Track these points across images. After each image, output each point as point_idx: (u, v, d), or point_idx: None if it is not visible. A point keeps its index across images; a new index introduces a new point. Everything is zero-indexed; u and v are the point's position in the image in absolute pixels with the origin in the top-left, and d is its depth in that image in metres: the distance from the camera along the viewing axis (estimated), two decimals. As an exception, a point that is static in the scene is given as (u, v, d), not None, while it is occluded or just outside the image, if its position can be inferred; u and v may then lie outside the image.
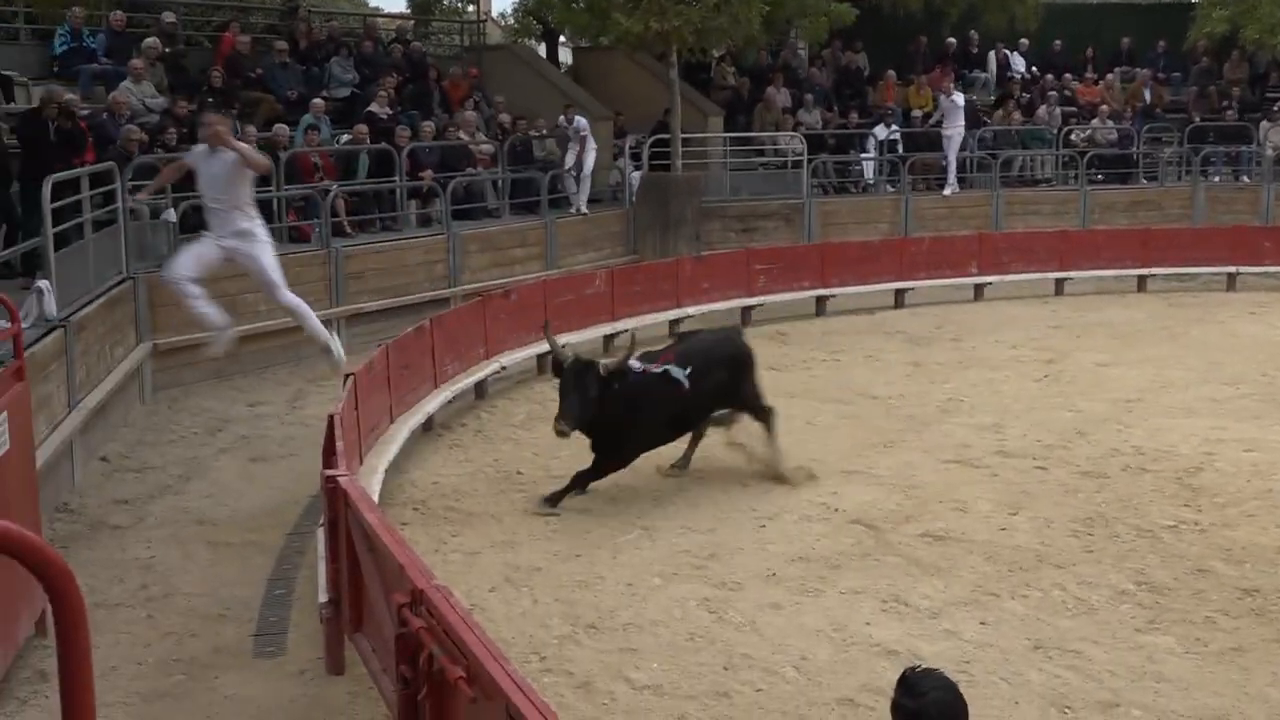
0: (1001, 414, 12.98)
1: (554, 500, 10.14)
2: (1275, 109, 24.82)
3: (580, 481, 10.27)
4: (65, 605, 2.09)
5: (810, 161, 21.93)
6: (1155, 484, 10.70)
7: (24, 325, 8.45)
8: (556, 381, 10.25)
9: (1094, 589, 8.50)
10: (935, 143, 23.18)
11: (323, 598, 7.29)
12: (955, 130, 22.44)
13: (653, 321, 16.68)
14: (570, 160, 19.77)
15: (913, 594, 8.43)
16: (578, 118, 20.17)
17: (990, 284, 19.85)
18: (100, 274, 12.59)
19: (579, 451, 11.68)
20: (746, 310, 17.92)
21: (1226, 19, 25.04)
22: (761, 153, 22.85)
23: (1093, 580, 8.65)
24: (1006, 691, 7.03)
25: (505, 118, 20.15)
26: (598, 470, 10.31)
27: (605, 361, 10.62)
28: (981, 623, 7.97)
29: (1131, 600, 8.34)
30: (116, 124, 14.86)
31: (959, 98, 22.79)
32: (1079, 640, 7.71)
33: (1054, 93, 25.22)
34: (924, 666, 3.77)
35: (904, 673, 3.75)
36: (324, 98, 18.17)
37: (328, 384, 13.25)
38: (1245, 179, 24.09)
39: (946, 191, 22.53)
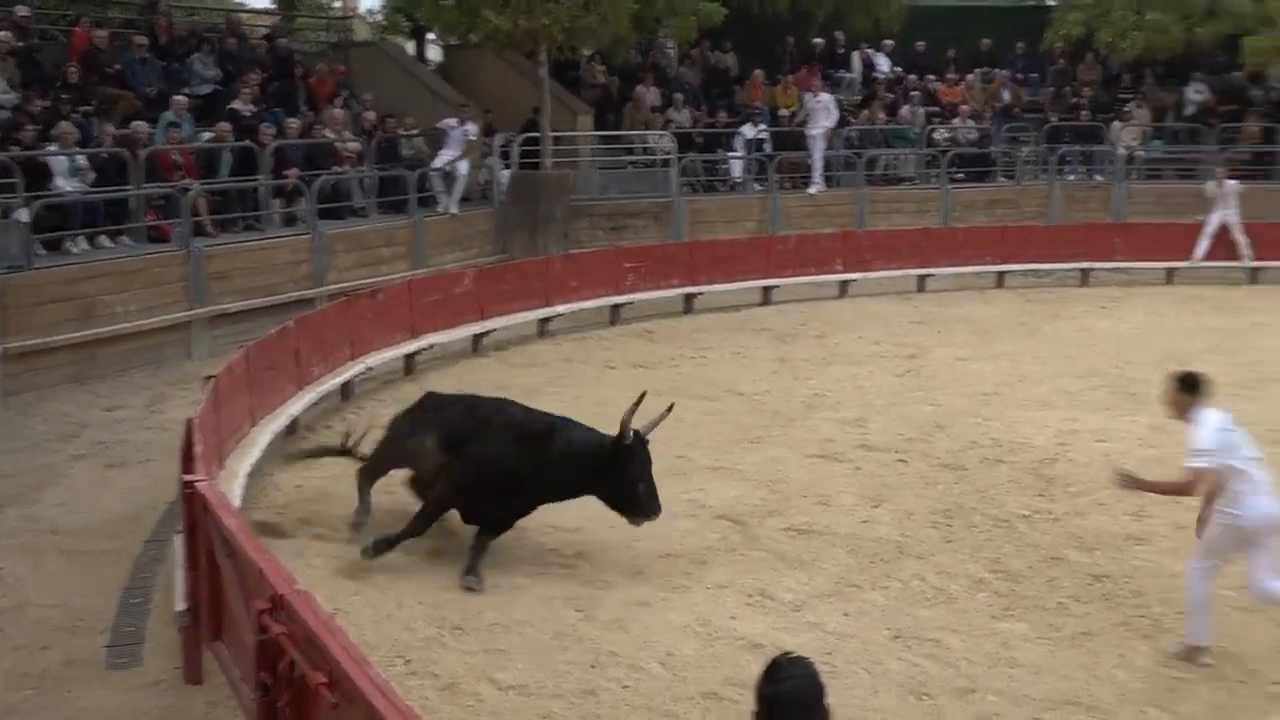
0: (864, 409, 13.19)
1: None
2: (1127, 109, 25.59)
3: None
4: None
5: (679, 160, 22.07)
6: (1011, 475, 10.96)
7: None
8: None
9: (952, 578, 8.69)
10: (802, 142, 23.44)
11: (180, 606, 7.16)
12: (821, 129, 22.71)
13: (521, 320, 16.66)
14: (440, 161, 19.65)
15: (777, 587, 8.53)
16: (470, 123, 20.13)
17: (855, 281, 20.13)
18: (-52, 276, 12.21)
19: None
20: (616, 309, 17.97)
21: (1081, 22, 25.72)
22: (631, 151, 22.90)
23: (951, 570, 8.84)
24: (867, 681, 7.15)
25: (371, 115, 19.95)
26: None
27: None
28: (844, 614, 8.09)
29: (988, 589, 8.53)
30: (-37, 121, 14.42)
31: (825, 97, 23.08)
32: (937, 629, 7.88)
33: (917, 93, 25.63)
34: (794, 655, 3.81)
35: (773, 659, 3.80)
36: (185, 94, 17.80)
37: (188, 387, 12.99)
38: (1098, 177, 24.72)
39: (812, 190, 22.80)
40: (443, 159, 19.66)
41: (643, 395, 8.71)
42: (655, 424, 8.92)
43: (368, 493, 9.66)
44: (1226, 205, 21.20)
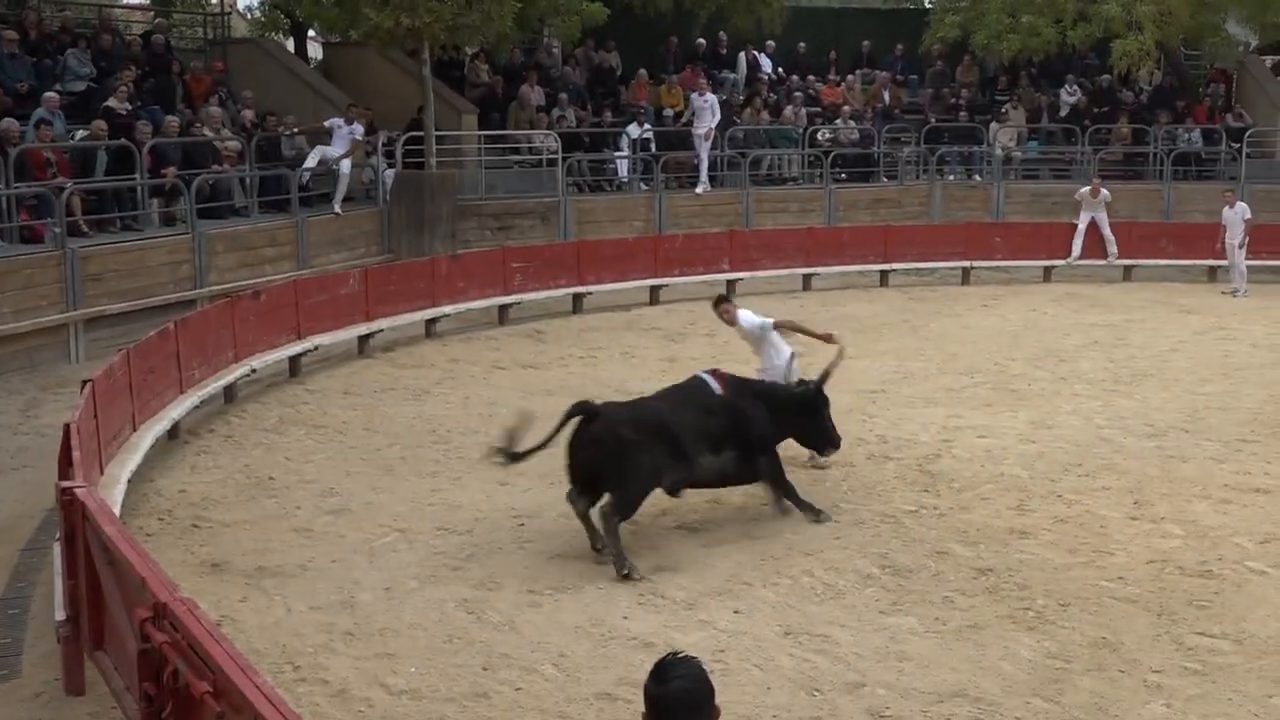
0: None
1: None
2: (1003, 111, 26.13)
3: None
4: None
5: (565, 160, 22.04)
6: (897, 471, 11.10)
7: None
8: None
9: (841, 574, 8.76)
10: (687, 141, 23.57)
11: (60, 615, 6.99)
12: (705, 129, 22.82)
13: (408, 321, 16.53)
14: (312, 160, 19.39)
15: (669, 585, 8.52)
16: (356, 122, 19.93)
17: (742, 280, 20.26)
18: None
19: (333, 456, 11.53)
20: (504, 309, 17.90)
21: (958, 24, 26.18)
22: (517, 151, 22.86)
23: (840, 566, 8.90)
24: (759, 677, 7.18)
25: (250, 114, 19.65)
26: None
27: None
28: (735, 611, 8.11)
29: (876, 584, 8.61)
30: None
31: (710, 97, 23.20)
32: (827, 624, 7.93)
33: (799, 93, 25.92)
34: (682, 655, 3.76)
35: (660, 659, 3.78)
36: (58, 91, 17.38)
37: (65, 391, 12.70)
38: (977, 177, 25.24)
39: (699, 190, 22.93)
40: (313, 159, 19.41)
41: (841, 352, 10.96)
42: (830, 372, 10.50)
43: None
44: (1096, 207, 21.68)
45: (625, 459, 9.00)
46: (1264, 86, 26.73)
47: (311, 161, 19.38)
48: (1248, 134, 25.11)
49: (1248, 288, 20.69)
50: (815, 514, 9.80)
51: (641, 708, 3.64)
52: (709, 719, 3.66)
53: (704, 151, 22.89)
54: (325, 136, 19.87)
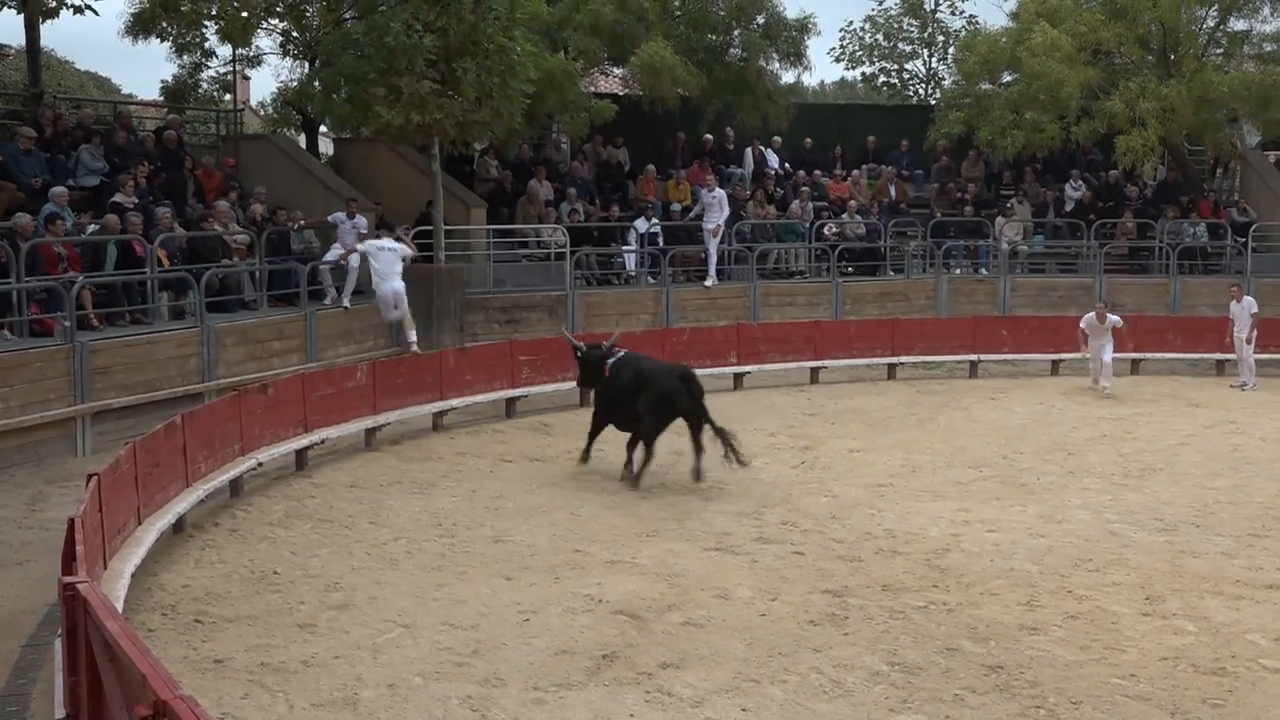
0: (760, 500, 13.24)
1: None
2: (1009, 205, 26.29)
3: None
4: None
5: (573, 253, 22.22)
6: (906, 566, 11.03)
7: None
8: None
9: (849, 671, 8.67)
10: (695, 236, 23.75)
11: (60, 713, 6.95)
12: (714, 224, 22.97)
13: (415, 414, 16.56)
14: (333, 255, 19.52)
15: (676, 683, 8.44)
16: (360, 216, 20.10)
17: (749, 373, 20.33)
18: None
19: (337, 550, 11.49)
20: (511, 402, 17.93)
21: (962, 120, 26.52)
22: (525, 244, 23.00)
23: (848, 662, 8.82)
24: (767, 778, 7.10)
25: (259, 208, 19.83)
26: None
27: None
28: (742, 709, 8.02)
29: (885, 680, 8.52)
30: None
31: (719, 192, 23.40)
32: (836, 724, 7.86)
33: (806, 188, 26.10)
34: None
35: None
36: (70, 186, 17.57)
37: (70, 485, 12.70)
38: (984, 271, 25.33)
39: (708, 283, 23.06)
40: (333, 254, 19.53)
41: None
42: None
43: None
44: (1102, 334, 20.43)
45: None
46: (1267, 181, 26.84)
47: (331, 255, 19.46)
48: (1253, 228, 25.25)
49: (1256, 381, 20.70)
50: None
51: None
52: None
53: (713, 246, 23.05)
54: (332, 231, 20.00)
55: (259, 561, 11.15)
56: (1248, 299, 21.24)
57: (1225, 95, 25.03)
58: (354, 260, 19.55)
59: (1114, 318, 20.55)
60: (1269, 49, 26.66)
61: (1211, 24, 26.54)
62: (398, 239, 19.32)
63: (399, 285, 18.15)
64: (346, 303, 19.54)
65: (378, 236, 19.25)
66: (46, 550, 10.66)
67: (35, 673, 8.51)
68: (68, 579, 7.01)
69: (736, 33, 26.93)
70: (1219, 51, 26.72)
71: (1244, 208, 26.51)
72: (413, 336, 18.41)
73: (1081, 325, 20.49)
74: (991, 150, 26.63)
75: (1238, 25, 26.83)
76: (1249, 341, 20.84)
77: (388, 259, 18.09)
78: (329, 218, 20.18)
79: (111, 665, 6.01)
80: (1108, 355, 20.27)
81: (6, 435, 14.14)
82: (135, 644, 5.79)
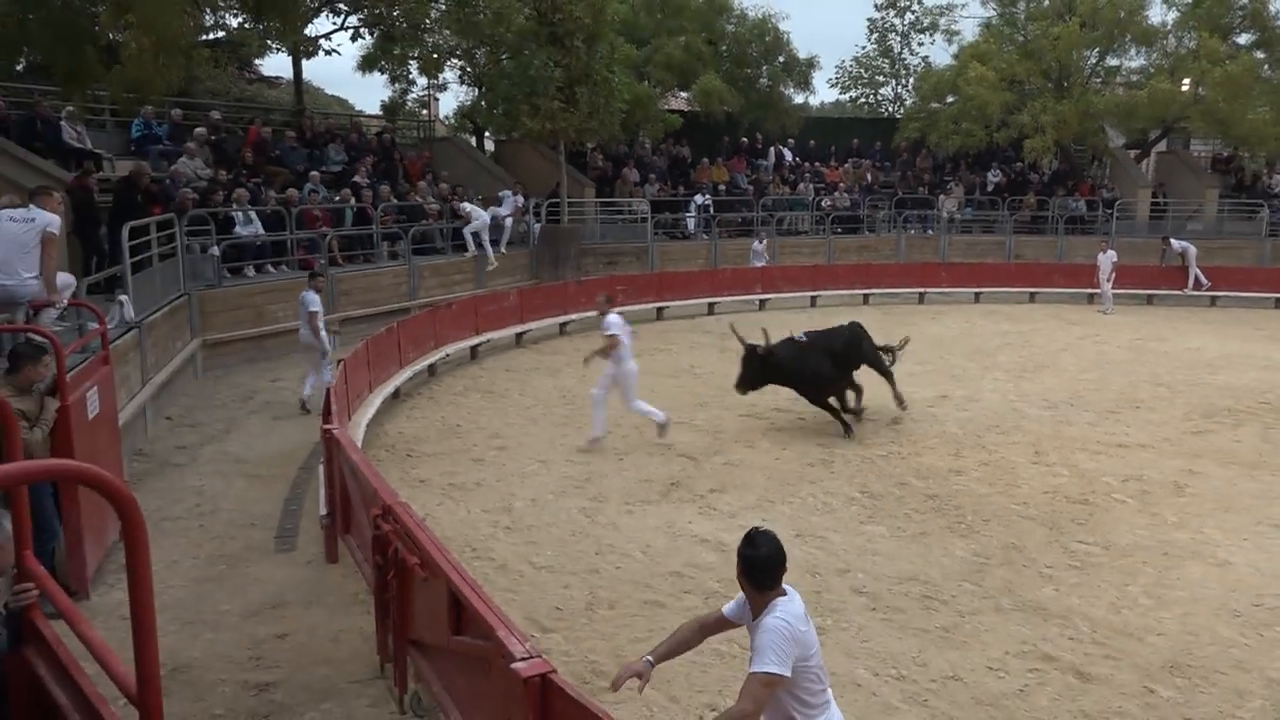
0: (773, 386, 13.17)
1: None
2: (949, 187, 25.67)
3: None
4: (130, 522, 2.01)
5: (653, 218, 22.01)
6: (873, 428, 10.98)
7: (109, 326, 8.10)
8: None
9: (834, 496, 8.71)
10: (734, 207, 23.44)
11: (323, 511, 7.14)
12: (760, 257, 21.31)
13: (548, 324, 16.63)
14: (475, 222, 18.63)
15: (719, 502, 8.54)
16: (519, 196, 20.05)
17: (769, 300, 20.13)
18: (165, 291, 12.09)
19: (498, 412, 11.62)
20: (610, 316, 17.90)
21: (918, 128, 25.96)
22: (620, 212, 22.83)
23: (833, 491, 8.85)
24: (778, 564, 7.16)
25: (444, 187, 19.85)
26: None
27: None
28: (763, 519, 8.08)
29: (858, 504, 8.55)
30: (176, 187, 14.26)
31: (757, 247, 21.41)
32: (825, 530, 7.89)
33: (809, 174, 25.68)
34: (764, 528, 3.66)
35: (750, 530, 3.66)
36: (321, 171, 17.67)
37: (327, 367, 12.90)
38: (930, 231, 24.81)
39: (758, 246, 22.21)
40: (488, 216, 18.94)
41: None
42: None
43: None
44: (1104, 264, 20.32)
45: None
46: (1128, 170, 26.05)
47: (487, 218, 19.40)
48: (1117, 203, 24.53)
49: (1113, 308, 20.16)
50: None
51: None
52: (781, 576, 3.59)
53: (759, 260, 21.45)
54: (496, 202, 19.95)
55: (447, 418, 11.38)
56: (1111, 251, 20.66)
57: (1101, 111, 24.38)
58: (508, 221, 19.54)
59: (1111, 252, 20.47)
60: (1133, 79, 25.86)
61: (1094, 61, 25.72)
62: (514, 194, 19.92)
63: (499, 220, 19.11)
64: (503, 249, 19.56)
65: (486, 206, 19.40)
66: (313, 408, 10.91)
67: (306, 485, 8.79)
68: (326, 426, 7.18)
69: (764, 68, 26.47)
70: (1098, 80, 25.85)
71: (1111, 188, 25.74)
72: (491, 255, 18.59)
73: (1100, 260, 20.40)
74: (938, 148, 26.05)
75: (1112, 62, 26.08)
76: (1109, 281, 20.31)
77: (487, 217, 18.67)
78: (499, 194, 20.10)
79: (354, 481, 6.18)
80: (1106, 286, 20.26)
81: (285, 334, 14.38)
82: (369, 468, 5.94)
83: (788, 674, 3.41)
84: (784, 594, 3.57)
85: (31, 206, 7.32)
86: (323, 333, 11.12)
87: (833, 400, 10.80)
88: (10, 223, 7.14)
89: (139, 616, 2.03)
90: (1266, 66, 24.66)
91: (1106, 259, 20.44)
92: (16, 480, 2.69)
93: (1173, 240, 21.99)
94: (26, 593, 3.10)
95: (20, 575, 3.16)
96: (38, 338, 6.36)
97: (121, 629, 5.48)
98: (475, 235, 18.61)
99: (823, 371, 10.65)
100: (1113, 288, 20.40)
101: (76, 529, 6.27)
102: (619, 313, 10.25)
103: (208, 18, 18.86)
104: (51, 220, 7.23)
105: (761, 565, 3.54)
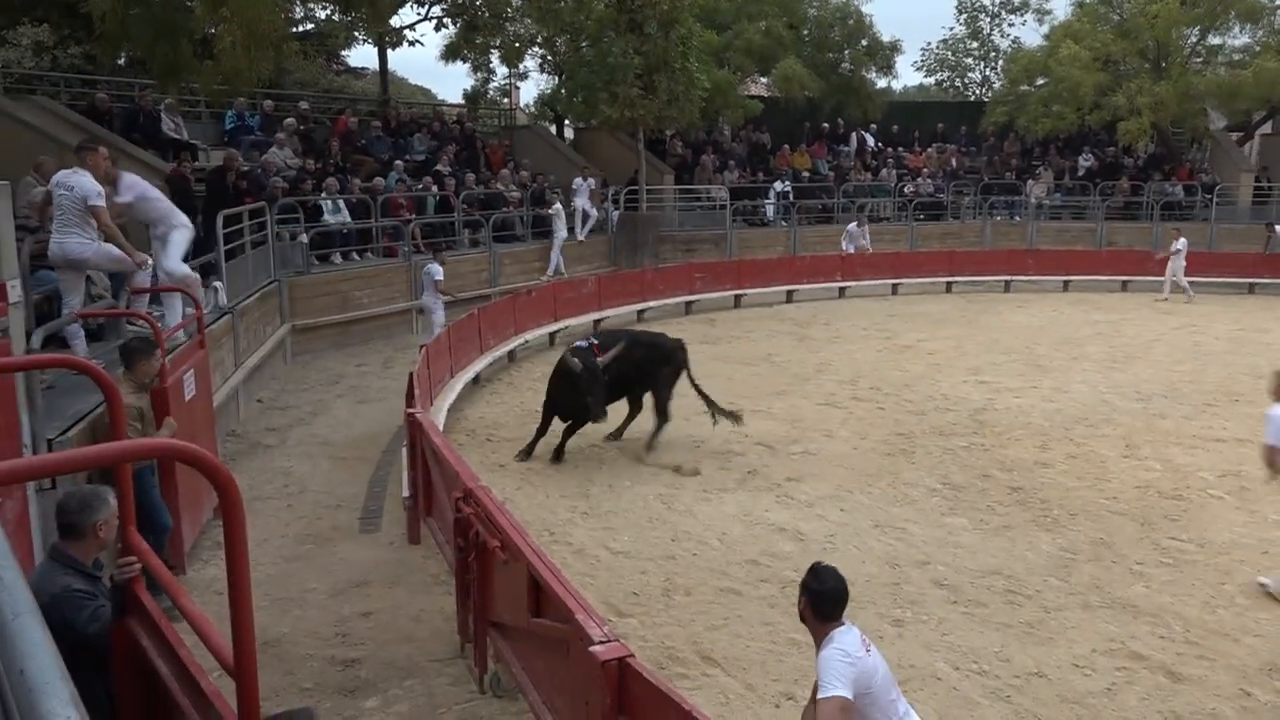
0: (855, 373, 13.02)
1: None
2: (1038, 172, 24.95)
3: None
4: (228, 500, 2.09)
5: (732, 205, 21.89)
6: (955, 419, 10.78)
7: (205, 311, 8.39)
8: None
9: (914, 487, 8.57)
10: (816, 194, 23.16)
11: (405, 493, 7.30)
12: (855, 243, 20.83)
13: (626, 311, 16.67)
14: (558, 235, 18.61)
15: (796, 491, 8.47)
16: (590, 179, 20.04)
17: (849, 287, 19.86)
18: (256, 278, 12.47)
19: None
20: (689, 304, 17.91)
21: (1006, 112, 25.28)
22: (699, 199, 22.75)
23: (913, 482, 8.72)
24: (856, 555, 7.08)
25: (525, 174, 20.03)
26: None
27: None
28: (841, 509, 8.02)
29: (939, 495, 8.41)
30: (267, 176, 14.69)
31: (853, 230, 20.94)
32: (904, 521, 7.78)
33: (892, 160, 25.23)
34: (828, 565, 3.77)
35: (814, 565, 3.78)
36: (405, 160, 18.00)
37: (410, 352, 13.17)
38: (1017, 218, 24.18)
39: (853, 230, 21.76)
40: (557, 237, 18.48)
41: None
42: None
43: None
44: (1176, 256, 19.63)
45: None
46: (1229, 154, 24.95)
47: (564, 234, 18.82)
48: (1217, 188, 23.53)
49: (1189, 295, 19.39)
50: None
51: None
52: (843, 608, 3.66)
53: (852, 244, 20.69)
54: (573, 192, 20.05)
55: (526, 403, 11.45)
56: (1182, 239, 19.70)
57: (1201, 92, 23.40)
58: (591, 209, 19.65)
59: (1183, 239, 19.57)
60: (1236, 58, 24.71)
61: (1194, 40, 24.64)
62: (585, 180, 19.86)
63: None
64: (582, 237, 19.71)
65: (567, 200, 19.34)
66: (396, 393, 11.10)
67: (389, 468, 8.94)
68: (409, 410, 7.32)
69: (846, 52, 26.08)
70: (1199, 59, 24.79)
71: (1210, 172, 24.69)
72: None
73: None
74: (1026, 132, 25.29)
75: (1214, 40, 24.98)
76: (1180, 270, 19.42)
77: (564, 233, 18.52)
78: (573, 183, 20.19)
79: (436, 464, 6.29)
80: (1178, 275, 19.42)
81: (370, 320, 14.76)
82: (451, 452, 6.04)
83: (851, 696, 3.50)
84: (841, 624, 3.64)
85: (76, 170, 7.33)
86: (440, 302, 12.96)
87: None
88: (58, 189, 7.27)
89: (236, 591, 2.11)
90: (1381, 42, 23.39)
91: (1180, 246, 19.56)
92: (118, 458, 2.81)
93: (1277, 226, 21.03)
94: (130, 566, 3.24)
95: (124, 549, 3.30)
96: (147, 329, 6.57)
97: (216, 603, 5.71)
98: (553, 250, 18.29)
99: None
100: (1185, 276, 19.55)
101: (175, 507, 6.53)
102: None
103: (298, 10, 19.35)
104: (89, 190, 7.24)
105: (828, 598, 3.64)
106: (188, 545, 6.77)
